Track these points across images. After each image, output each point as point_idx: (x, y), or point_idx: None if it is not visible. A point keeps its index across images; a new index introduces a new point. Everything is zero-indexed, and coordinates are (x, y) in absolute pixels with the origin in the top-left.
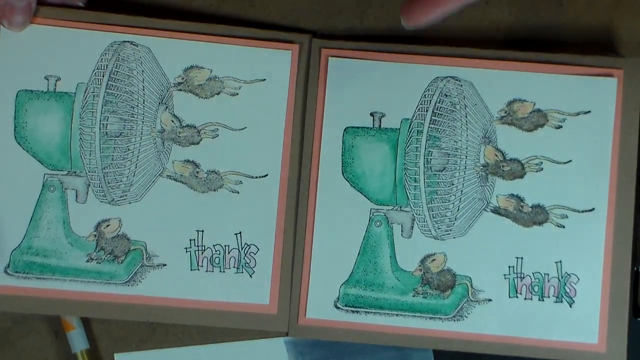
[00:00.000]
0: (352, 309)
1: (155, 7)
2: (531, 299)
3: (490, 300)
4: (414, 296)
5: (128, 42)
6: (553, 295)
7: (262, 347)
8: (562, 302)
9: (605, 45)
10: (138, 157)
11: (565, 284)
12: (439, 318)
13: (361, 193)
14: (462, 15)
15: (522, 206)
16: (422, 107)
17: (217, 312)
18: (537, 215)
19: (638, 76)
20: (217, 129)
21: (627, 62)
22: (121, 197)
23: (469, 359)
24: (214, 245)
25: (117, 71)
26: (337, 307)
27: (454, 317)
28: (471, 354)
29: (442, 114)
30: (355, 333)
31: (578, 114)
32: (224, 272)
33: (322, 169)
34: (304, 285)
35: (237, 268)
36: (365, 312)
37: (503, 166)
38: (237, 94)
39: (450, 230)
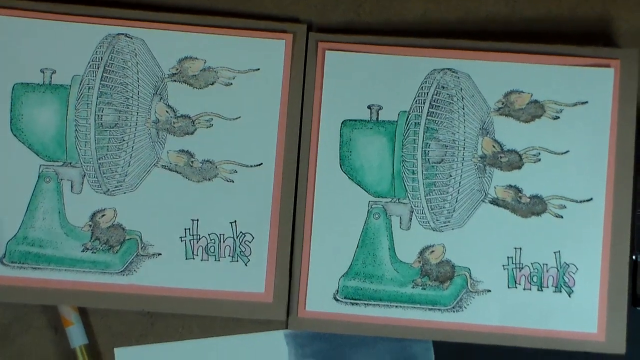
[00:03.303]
0: (352, 301)
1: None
2: (530, 289)
3: (489, 291)
4: (413, 288)
5: (122, 34)
6: (552, 285)
7: (262, 340)
8: (561, 292)
9: (602, 36)
10: (133, 147)
11: (564, 274)
12: (438, 309)
13: (359, 186)
14: (459, 8)
15: (520, 197)
16: (419, 100)
17: (213, 300)
18: (535, 206)
19: (635, 66)
20: (212, 119)
21: (623, 53)
22: (116, 187)
23: (469, 350)
24: (209, 234)
25: (112, 63)
26: (337, 300)
27: (453, 308)
28: (471, 345)
29: (439, 106)
30: (354, 325)
31: (575, 104)
32: (219, 260)
33: (320, 162)
34: (303, 277)
35: (232, 257)
36: (365, 304)
37: (501, 157)
38: (231, 83)
39: (449, 222)
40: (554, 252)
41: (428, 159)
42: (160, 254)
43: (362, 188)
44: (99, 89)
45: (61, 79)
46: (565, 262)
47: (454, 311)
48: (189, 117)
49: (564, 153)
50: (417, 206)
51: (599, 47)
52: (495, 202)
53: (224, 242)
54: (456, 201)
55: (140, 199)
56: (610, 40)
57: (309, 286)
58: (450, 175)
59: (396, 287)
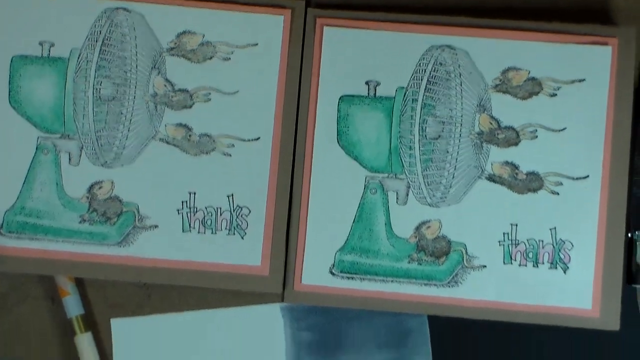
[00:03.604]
0: (348, 275)
1: None
2: (526, 265)
3: (484, 266)
4: (409, 263)
5: (121, 8)
6: (547, 262)
7: (258, 312)
8: (556, 268)
9: (600, 14)
10: (131, 120)
11: (559, 251)
12: (434, 284)
13: (356, 161)
14: None
15: (516, 173)
16: (417, 76)
17: (209, 273)
18: (531, 182)
19: (632, 44)
20: (210, 93)
21: (621, 31)
22: (114, 159)
23: (464, 325)
24: (206, 207)
25: (110, 37)
26: (333, 274)
27: (448, 283)
28: (466, 320)
29: (437, 83)
30: (350, 299)
31: (573, 82)
32: (215, 233)
33: (317, 137)
34: (300, 251)
35: (229, 230)
36: (361, 278)
37: (498, 134)
38: (230, 58)
39: (445, 198)
40: (550, 229)
41: (425, 135)
42: (157, 227)
43: (359, 163)
44: (97, 62)
45: (60, 52)
46: (560, 239)
47: (449, 286)
48: (187, 91)
49: (561, 130)
50: (414, 182)
51: (597, 25)
52: (491, 178)
53: (220, 215)
54: (453, 177)
55: (137, 172)
56: (609, 18)
57: (305, 260)
58: (447, 152)
59: (392, 262)
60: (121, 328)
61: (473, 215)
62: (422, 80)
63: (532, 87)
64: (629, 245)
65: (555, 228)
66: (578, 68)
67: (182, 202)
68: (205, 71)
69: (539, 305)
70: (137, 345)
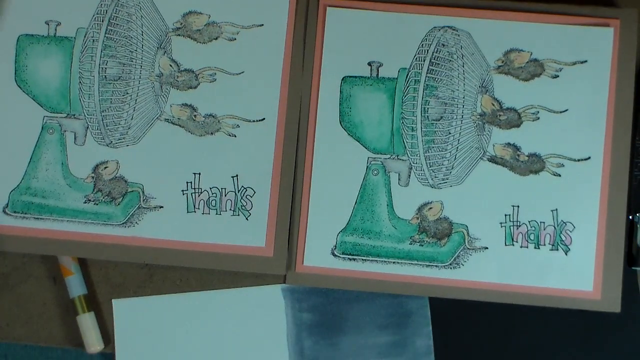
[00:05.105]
0: (350, 256)
1: None
2: (527, 247)
3: (486, 248)
4: (410, 244)
5: None
6: (549, 243)
7: (259, 293)
8: (557, 250)
9: None
10: (136, 100)
11: (561, 232)
12: (436, 266)
13: (358, 142)
14: None
15: (518, 155)
16: (419, 57)
17: (214, 254)
18: (533, 164)
19: (634, 26)
20: (215, 73)
21: (623, 12)
22: (119, 139)
23: (465, 307)
24: (210, 188)
25: (117, 16)
26: (335, 255)
27: (450, 265)
28: (467, 302)
29: (439, 64)
30: (352, 280)
31: (574, 63)
32: (220, 214)
33: (320, 118)
34: (302, 232)
35: (233, 210)
36: (363, 259)
37: (500, 115)
38: (235, 39)
39: (447, 179)
40: (552, 210)
41: (427, 116)
42: (162, 207)
43: (362, 144)
44: (103, 41)
45: (66, 31)
46: (562, 221)
47: (451, 268)
48: (193, 71)
49: (563, 112)
50: (416, 163)
51: (599, 7)
52: (493, 159)
53: (225, 196)
54: (455, 158)
55: (142, 152)
56: None
57: (307, 241)
58: (449, 133)
59: (394, 244)
60: (123, 308)
61: (475, 196)
62: (424, 61)
63: (534, 69)
64: (630, 227)
65: (556, 210)
66: (580, 49)
67: (187, 183)
68: (211, 51)
69: (540, 287)
70: (139, 325)
